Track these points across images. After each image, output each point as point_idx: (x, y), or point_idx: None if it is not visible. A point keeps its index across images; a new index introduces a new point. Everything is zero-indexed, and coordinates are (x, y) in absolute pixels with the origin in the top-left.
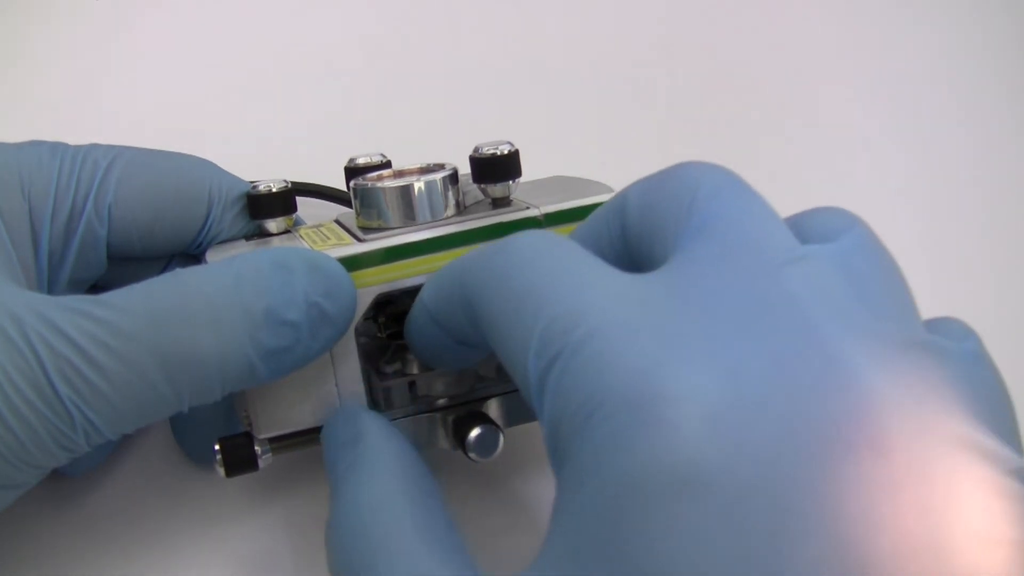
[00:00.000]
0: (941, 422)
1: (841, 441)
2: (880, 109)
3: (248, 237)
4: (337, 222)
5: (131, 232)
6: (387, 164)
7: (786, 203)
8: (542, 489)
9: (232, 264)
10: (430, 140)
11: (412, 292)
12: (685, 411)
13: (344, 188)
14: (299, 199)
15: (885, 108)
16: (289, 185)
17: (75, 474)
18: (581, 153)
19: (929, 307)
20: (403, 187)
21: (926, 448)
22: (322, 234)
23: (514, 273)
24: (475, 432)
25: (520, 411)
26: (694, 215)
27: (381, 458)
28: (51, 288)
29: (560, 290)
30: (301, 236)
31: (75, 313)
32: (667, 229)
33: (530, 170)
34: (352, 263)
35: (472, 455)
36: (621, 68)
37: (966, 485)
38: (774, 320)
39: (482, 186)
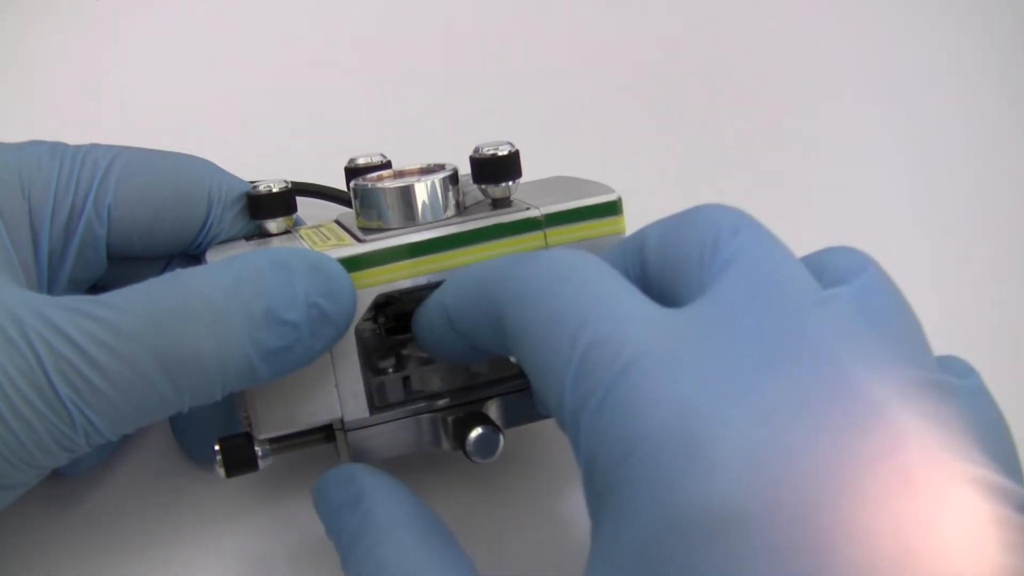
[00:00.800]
0: (960, 461)
1: (874, 480)
2: (881, 110)
3: (248, 237)
4: (337, 222)
5: (131, 232)
6: (387, 164)
7: (786, 204)
8: (541, 488)
9: (232, 264)
10: (430, 139)
11: (412, 292)
12: (725, 451)
13: (344, 188)
14: (299, 199)
15: (885, 109)
16: (289, 185)
17: (75, 474)
18: (581, 153)
19: (930, 307)
20: (403, 188)
21: (950, 487)
22: (322, 234)
23: (548, 292)
24: (475, 433)
25: (520, 412)
26: (718, 254)
27: (389, 514)
28: (51, 288)
29: (598, 315)
30: (301, 236)
31: (75, 313)
32: (691, 268)
33: (530, 169)
34: (352, 264)
35: (472, 456)
36: (622, 67)
37: (985, 522)
38: (804, 361)
39: (482, 187)
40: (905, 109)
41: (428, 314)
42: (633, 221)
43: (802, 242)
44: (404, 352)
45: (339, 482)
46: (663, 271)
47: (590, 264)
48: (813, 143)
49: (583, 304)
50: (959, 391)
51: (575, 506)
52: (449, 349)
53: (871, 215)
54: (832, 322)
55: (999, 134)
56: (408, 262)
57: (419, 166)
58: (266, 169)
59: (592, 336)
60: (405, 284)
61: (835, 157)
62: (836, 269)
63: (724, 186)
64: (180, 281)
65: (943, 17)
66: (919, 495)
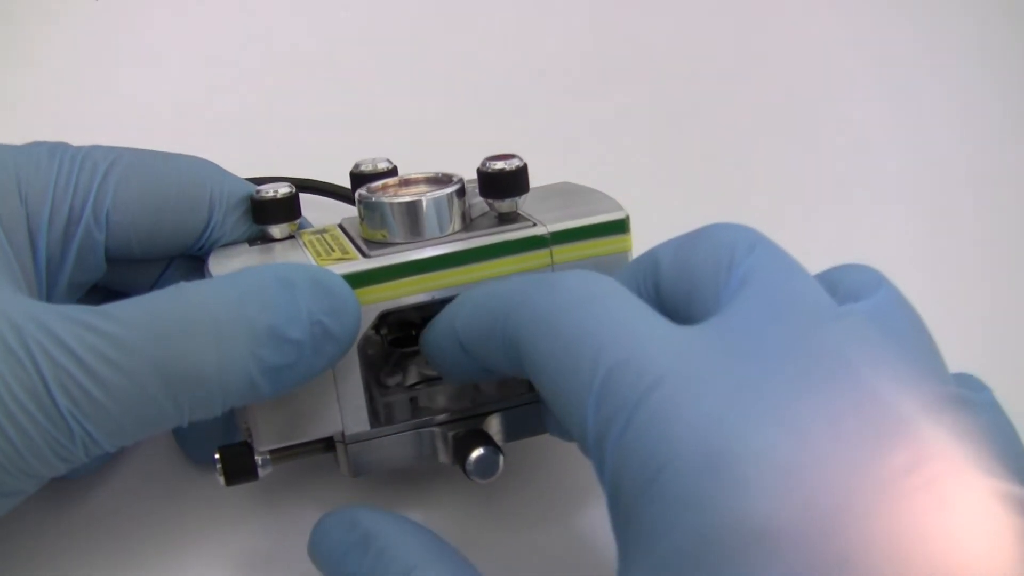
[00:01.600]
0: (986, 476)
1: (903, 494)
2: (879, 109)
3: (251, 241)
4: (341, 228)
5: (130, 236)
6: (393, 171)
7: (785, 204)
8: (541, 503)
9: (236, 280)
10: (434, 132)
11: (416, 307)
12: (757, 467)
13: (347, 185)
14: (302, 194)
15: (884, 108)
16: (293, 190)
17: (72, 476)
18: (583, 153)
19: (929, 308)
20: (410, 203)
21: (978, 502)
22: (326, 243)
23: (565, 316)
24: (476, 454)
25: (520, 426)
26: (734, 272)
27: (404, 550)
28: (50, 291)
29: (618, 338)
30: (305, 244)
31: (77, 324)
32: (707, 286)
33: (533, 168)
34: (357, 280)
35: (472, 476)
36: (625, 68)
37: (1013, 536)
38: (827, 375)
39: (489, 201)
40: (904, 109)
41: (438, 337)
42: (634, 219)
43: (803, 242)
44: (411, 366)
45: (341, 527)
46: (677, 290)
47: (605, 286)
48: (812, 144)
49: (602, 327)
50: (977, 405)
51: (579, 516)
52: (461, 371)
53: (869, 215)
54: (852, 337)
55: (999, 134)
56: (413, 278)
57: (425, 175)
58: (270, 166)
59: (614, 358)
60: (410, 300)
61: (833, 158)
62: (850, 285)
63: (724, 186)
64: (183, 295)
65: (943, 17)
66: (949, 510)
